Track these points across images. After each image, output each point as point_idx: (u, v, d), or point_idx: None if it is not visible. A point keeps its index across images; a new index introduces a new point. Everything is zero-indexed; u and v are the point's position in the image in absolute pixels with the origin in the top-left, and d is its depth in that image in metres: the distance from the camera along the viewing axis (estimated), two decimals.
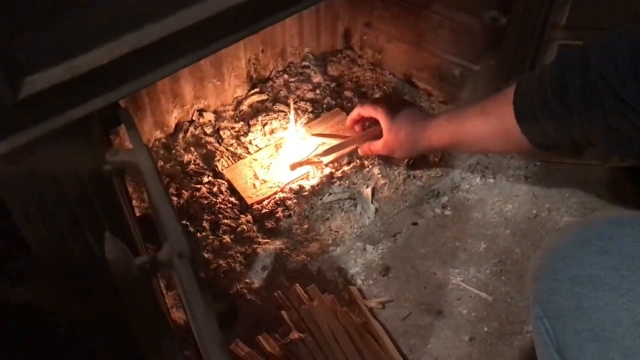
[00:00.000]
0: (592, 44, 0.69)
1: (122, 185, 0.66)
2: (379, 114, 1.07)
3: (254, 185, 1.14)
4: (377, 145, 1.09)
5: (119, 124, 0.65)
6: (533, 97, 0.77)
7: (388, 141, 1.06)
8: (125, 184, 0.69)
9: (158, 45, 0.57)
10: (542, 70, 0.77)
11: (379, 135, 1.08)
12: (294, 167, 1.16)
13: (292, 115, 1.20)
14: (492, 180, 1.20)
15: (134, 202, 1.07)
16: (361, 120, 1.14)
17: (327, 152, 1.16)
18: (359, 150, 1.15)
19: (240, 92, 1.34)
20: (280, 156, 1.19)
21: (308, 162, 1.18)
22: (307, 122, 1.26)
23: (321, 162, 1.18)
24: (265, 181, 1.15)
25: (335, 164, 1.20)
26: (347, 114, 1.28)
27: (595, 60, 0.67)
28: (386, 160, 1.20)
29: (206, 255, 1.03)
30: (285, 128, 1.24)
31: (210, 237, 1.06)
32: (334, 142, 1.19)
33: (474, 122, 0.90)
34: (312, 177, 1.17)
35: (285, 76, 1.39)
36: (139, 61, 0.56)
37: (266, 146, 1.22)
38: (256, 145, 1.24)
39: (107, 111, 0.61)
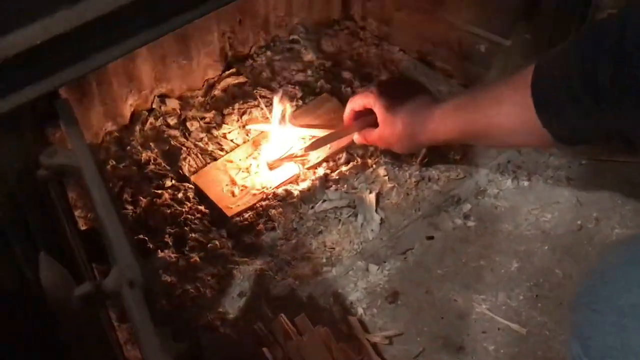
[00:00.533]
0: (629, 13, 0.69)
1: (61, 194, 0.67)
2: (371, 101, 1.07)
3: (232, 192, 1.15)
4: (372, 136, 1.10)
5: (58, 118, 0.66)
6: (555, 81, 0.78)
7: (383, 134, 1.07)
8: (65, 191, 0.70)
9: (105, 21, 0.58)
10: (566, 47, 0.78)
11: (375, 124, 1.09)
12: (273, 165, 1.17)
13: (276, 101, 1.20)
14: (526, 183, 1.21)
15: (79, 212, 1.08)
16: (359, 115, 1.14)
17: (313, 146, 1.16)
18: (354, 136, 1.14)
19: (212, 73, 1.34)
20: (262, 155, 1.20)
21: (290, 157, 1.19)
22: (293, 111, 1.27)
23: (306, 155, 1.19)
24: (245, 187, 1.16)
25: (331, 164, 1.21)
26: (340, 99, 1.29)
27: (632, 35, 0.67)
28: (395, 158, 1.21)
29: (169, 279, 1.04)
30: (267, 118, 1.25)
31: (174, 255, 1.07)
32: (323, 134, 1.19)
33: (486, 111, 0.91)
34: (301, 180, 1.18)
35: (269, 53, 1.40)
36: (80, 41, 0.57)
37: (244, 143, 1.23)
38: (232, 141, 1.24)
39: (42, 103, 0.61)
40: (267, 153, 1.19)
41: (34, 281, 0.63)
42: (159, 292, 0.95)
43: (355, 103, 1.11)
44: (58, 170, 0.60)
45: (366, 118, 1.11)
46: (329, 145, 1.20)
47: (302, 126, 1.23)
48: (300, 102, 1.30)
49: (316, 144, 1.16)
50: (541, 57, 0.82)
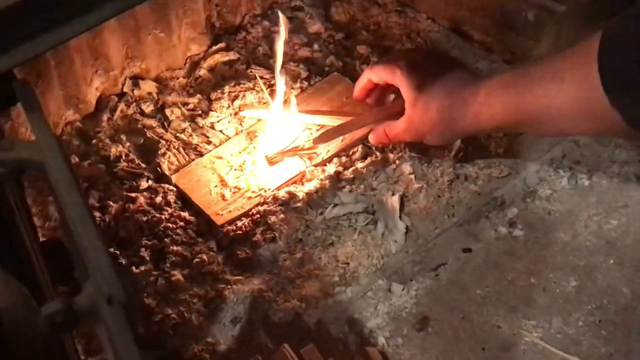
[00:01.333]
0: None
1: (19, 196, 0.69)
2: (397, 78, 1.08)
3: (222, 195, 1.17)
4: (397, 128, 1.11)
5: (13, 103, 0.68)
6: (628, 51, 0.79)
7: (413, 120, 1.07)
8: (23, 193, 0.72)
9: None
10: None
11: (401, 112, 1.10)
12: (273, 160, 1.19)
13: (277, 82, 1.22)
14: (586, 182, 1.22)
15: (35, 220, 1.10)
16: (375, 89, 1.15)
17: (324, 137, 1.19)
18: (370, 136, 1.17)
19: (196, 48, 1.36)
20: (259, 149, 1.22)
21: (294, 151, 1.21)
22: (297, 95, 1.29)
23: (314, 148, 1.21)
24: (238, 189, 1.18)
25: (344, 159, 1.22)
26: (354, 80, 1.29)
27: None
28: (423, 152, 1.22)
29: (146, 302, 1.05)
30: (265, 103, 1.27)
31: (153, 272, 1.08)
32: (334, 122, 1.21)
33: (542, 90, 0.91)
34: (307, 180, 1.20)
35: (266, 23, 1.42)
36: (42, 10, 0.59)
37: (236, 134, 1.25)
38: (221, 132, 1.26)
39: None
40: (265, 145, 1.22)
41: None
42: (141, 310, 0.97)
43: (376, 74, 1.12)
44: (16, 167, 0.62)
45: (387, 106, 1.12)
46: (341, 137, 1.21)
47: (309, 113, 1.24)
48: (306, 84, 1.32)
49: (327, 135, 1.18)
50: (608, 23, 0.83)
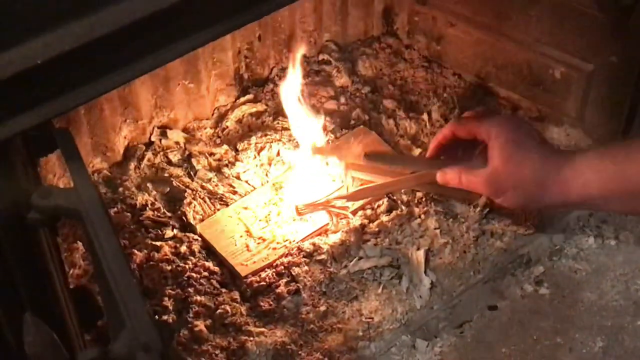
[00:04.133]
0: None
1: (53, 243, 0.70)
2: (491, 131, 0.99)
3: (247, 246, 1.18)
4: (477, 176, 1.01)
5: (50, 151, 0.70)
6: None
7: (499, 174, 0.99)
8: (56, 240, 0.73)
9: (116, 38, 0.61)
10: None
11: (433, 181, 1.06)
12: (303, 211, 1.20)
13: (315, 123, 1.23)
14: (613, 242, 1.22)
15: None
16: (451, 145, 1.08)
17: (356, 196, 1.20)
18: (438, 174, 1.07)
19: (224, 99, 1.39)
20: (285, 201, 1.23)
21: (326, 206, 1.22)
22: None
23: (346, 209, 1.22)
24: (263, 240, 1.19)
25: (369, 212, 1.23)
26: (381, 133, 1.32)
27: None
28: (449, 208, 1.23)
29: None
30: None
31: (175, 322, 1.09)
32: (370, 179, 1.22)
33: None
34: (332, 232, 1.20)
35: None
36: (87, 61, 0.61)
37: (262, 185, 1.27)
38: (247, 182, 1.28)
39: (35, 133, 0.65)
40: (292, 195, 1.23)
41: (15, 346, 0.65)
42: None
43: (463, 127, 1.04)
44: (52, 214, 0.63)
45: (422, 174, 1.11)
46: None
47: (353, 168, 1.23)
48: (332, 136, 1.34)
49: (360, 194, 1.19)
50: None
